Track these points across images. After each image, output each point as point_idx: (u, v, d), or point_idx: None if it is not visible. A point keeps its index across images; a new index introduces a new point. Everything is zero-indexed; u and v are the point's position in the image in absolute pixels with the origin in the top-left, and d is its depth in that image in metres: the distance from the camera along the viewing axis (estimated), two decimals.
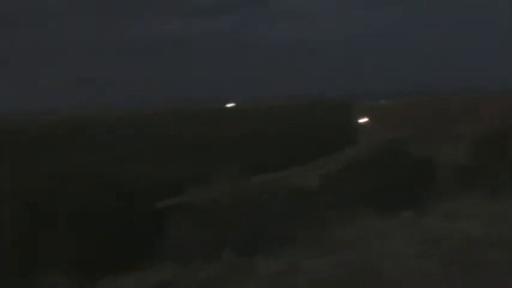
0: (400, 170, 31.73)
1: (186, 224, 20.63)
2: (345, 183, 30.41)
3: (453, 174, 30.93)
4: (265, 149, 57.79)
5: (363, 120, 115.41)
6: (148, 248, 20.90)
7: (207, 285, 16.41)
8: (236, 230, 20.00)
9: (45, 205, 24.14)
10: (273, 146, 61.76)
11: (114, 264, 20.33)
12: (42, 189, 26.10)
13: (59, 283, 18.33)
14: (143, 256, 20.21)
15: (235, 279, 16.08)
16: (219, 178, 23.72)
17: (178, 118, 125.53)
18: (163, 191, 30.49)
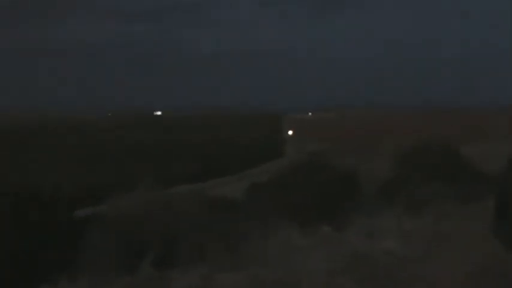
0: (323, 183, 31.67)
1: (102, 235, 20.07)
2: (267, 196, 30.23)
3: (375, 189, 31.08)
4: (188, 159, 57.49)
5: (289, 132, 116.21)
6: (63, 259, 20.22)
7: None
8: (153, 242, 19.55)
9: None
10: (196, 155, 61.50)
11: (27, 276, 19.61)
12: None
13: None
14: (57, 268, 19.53)
15: None
16: (138, 188, 23.23)
17: (97, 126, 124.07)
18: (80, 201, 29.72)
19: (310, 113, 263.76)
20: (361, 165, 37.39)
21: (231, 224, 21.02)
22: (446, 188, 26.86)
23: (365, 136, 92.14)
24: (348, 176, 33.78)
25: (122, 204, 21.82)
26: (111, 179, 38.80)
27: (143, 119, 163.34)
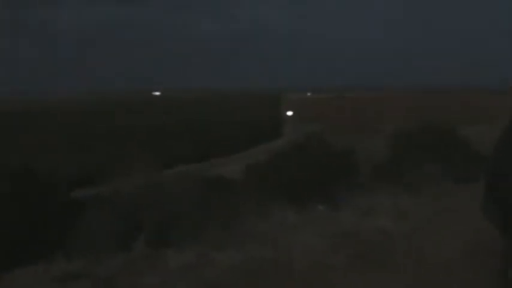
0: (320, 163, 31.80)
1: (96, 214, 20.19)
2: (263, 175, 30.39)
3: (371, 169, 31.25)
4: (187, 140, 57.48)
5: (288, 113, 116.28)
6: (59, 238, 20.37)
7: (115, 276, 16.08)
8: (148, 221, 19.68)
9: None
10: (195, 136, 61.51)
11: (20, 256, 19.72)
12: None
13: None
14: (50, 248, 19.64)
15: (145, 271, 15.82)
16: (134, 169, 23.32)
17: (92, 108, 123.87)
18: (75, 181, 29.82)
19: (309, 94, 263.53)
20: (359, 145, 37.53)
21: (227, 203, 21.16)
22: (442, 169, 27.01)
23: (363, 116, 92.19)
24: (346, 155, 33.89)
25: (118, 185, 21.93)
26: (109, 160, 38.87)
27: (141, 100, 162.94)
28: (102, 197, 21.85)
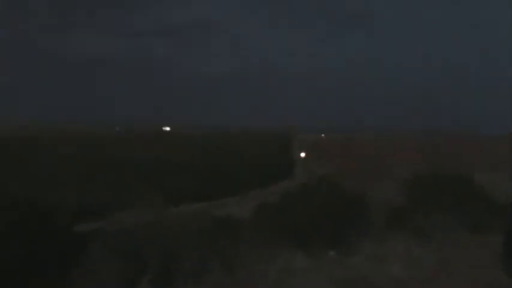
0: (332, 207, 31.25)
1: (102, 250, 19.76)
2: (272, 217, 29.85)
3: (382, 214, 30.65)
4: (193, 178, 56.92)
5: (301, 154, 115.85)
6: (62, 272, 19.94)
7: None
8: (152, 260, 19.21)
9: None
10: (205, 174, 61.05)
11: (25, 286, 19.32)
12: None
13: None
14: (55, 280, 19.24)
15: None
16: (141, 205, 22.94)
17: (104, 141, 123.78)
18: (82, 216, 29.41)
19: (322, 135, 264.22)
20: (371, 190, 36.97)
21: (234, 244, 20.66)
22: (455, 217, 26.49)
23: (375, 159, 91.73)
24: (357, 200, 33.32)
25: (123, 221, 21.54)
26: (115, 194, 38.51)
27: (151, 135, 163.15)
28: (106, 232, 21.46)
